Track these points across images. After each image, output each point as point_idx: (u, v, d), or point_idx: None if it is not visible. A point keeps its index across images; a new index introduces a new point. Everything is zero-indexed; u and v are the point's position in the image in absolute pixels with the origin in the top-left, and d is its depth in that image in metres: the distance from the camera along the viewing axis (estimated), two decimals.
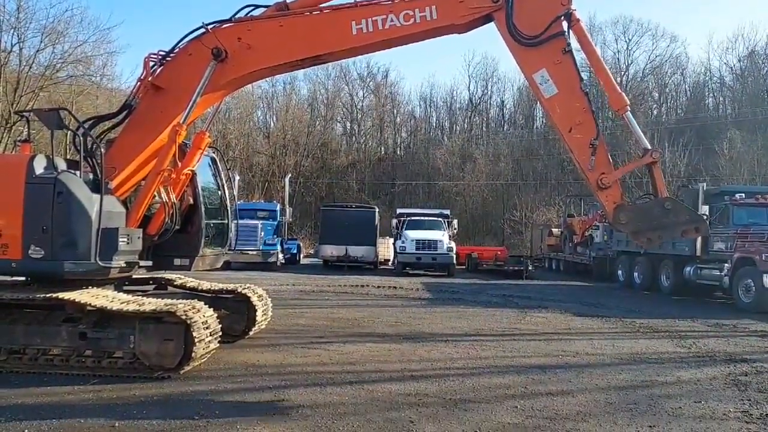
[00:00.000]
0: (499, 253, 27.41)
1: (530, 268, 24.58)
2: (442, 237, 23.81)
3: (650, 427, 5.26)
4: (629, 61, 54.24)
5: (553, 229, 31.09)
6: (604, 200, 6.32)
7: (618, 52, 54.44)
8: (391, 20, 6.75)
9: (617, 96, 6.37)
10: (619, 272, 21.39)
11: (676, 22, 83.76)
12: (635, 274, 20.03)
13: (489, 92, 59.03)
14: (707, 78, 53.60)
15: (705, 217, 6.09)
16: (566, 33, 6.43)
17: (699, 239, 16.05)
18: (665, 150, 39.00)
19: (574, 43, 6.46)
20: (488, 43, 68.25)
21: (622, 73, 54.22)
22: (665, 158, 38.79)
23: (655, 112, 53.68)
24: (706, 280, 16.42)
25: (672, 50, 54.46)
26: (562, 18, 6.39)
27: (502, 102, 58.77)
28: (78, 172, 6.67)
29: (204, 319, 6.42)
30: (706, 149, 39.86)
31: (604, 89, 6.52)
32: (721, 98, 53.45)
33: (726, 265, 15.32)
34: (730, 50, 55.59)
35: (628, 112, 6.41)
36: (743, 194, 16.36)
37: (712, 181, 30.38)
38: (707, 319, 12.55)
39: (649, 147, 6.35)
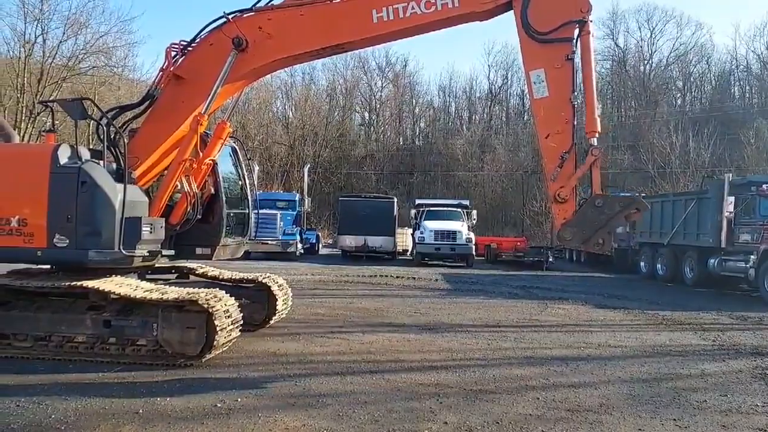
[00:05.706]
0: (518, 243, 27.15)
1: (550, 259, 24.33)
2: (461, 227, 23.71)
3: (674, 420, 5.18)
4: (653, 50, 53.51)
5: None
6: (557, 214, 6.34)
7: (641, 40, 53.74)
8: (412, 8, 6.69)
9: (593, 120, 6.27)
10: (642, 263, 21.12)
11: (701, 10, 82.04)
12: (658, 265, 19.75)
13: (509, 81, 58.56)
14: (733, 66, 52.56)
15: (642, 196, 6.05)
16: (574, 41, 6.30)
17: (724, 231, 15.78)
18: (689, 139, 38.31)
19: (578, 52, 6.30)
20: (508, 32, 67.56)
21: (646, 61, 53.37)
22: (689, 148, 38.13)
23: (679, 102, 52.84)
24: (731, 272, 16.13)
25: (697, 38, 53.69)
26: (576, 25, 6.26)
27: (523, 91, 58.05)
28: (101, 162, 6.74)
29: (226, 307, 6.47)
30: (731, 139, 39.07)
31: (585, 109, 6.39)
32: (747, 87, 52.34)
33: (752, 256, 15.03)
34: (758, 37, 54.28)
35: (594, 139, 6.31)
36: None
37: (738, 172, 29.76)
38: (732, 312, 12.35)
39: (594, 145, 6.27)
